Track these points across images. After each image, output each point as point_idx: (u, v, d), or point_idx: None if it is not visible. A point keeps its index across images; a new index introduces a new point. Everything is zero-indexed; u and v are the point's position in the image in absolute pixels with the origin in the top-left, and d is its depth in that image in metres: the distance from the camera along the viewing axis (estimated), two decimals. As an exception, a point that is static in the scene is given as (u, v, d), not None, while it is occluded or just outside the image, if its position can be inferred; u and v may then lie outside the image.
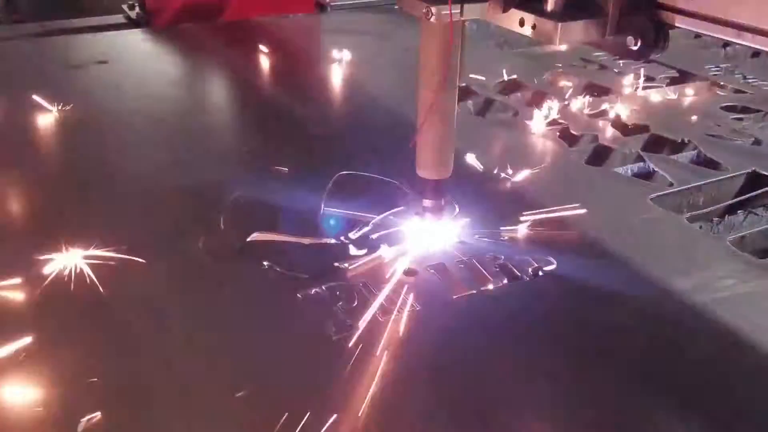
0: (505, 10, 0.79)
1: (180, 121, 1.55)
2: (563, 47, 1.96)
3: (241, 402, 0.78)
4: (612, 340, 0.90)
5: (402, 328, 0.89)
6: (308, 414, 0.74)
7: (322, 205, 1.09)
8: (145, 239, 1.06)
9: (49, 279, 0.95)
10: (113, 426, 0.74)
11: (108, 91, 1.69)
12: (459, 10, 0.82)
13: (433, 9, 0.83)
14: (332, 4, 2.36)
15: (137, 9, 2.25)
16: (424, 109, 0.92)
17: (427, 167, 0.98)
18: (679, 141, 1.46)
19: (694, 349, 0.89)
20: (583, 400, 0.80)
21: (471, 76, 1.73)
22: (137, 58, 1.93)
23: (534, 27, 0.76)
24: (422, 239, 1.04)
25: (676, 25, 0.68)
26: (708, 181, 1.28)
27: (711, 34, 0.64)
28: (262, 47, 1.93)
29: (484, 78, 1.75)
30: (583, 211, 1.13)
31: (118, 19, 2.25)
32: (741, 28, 0.63)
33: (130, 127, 1.49)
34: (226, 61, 1.94)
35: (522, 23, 0.78)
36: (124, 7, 2.28)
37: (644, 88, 1.76)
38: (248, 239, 1.05)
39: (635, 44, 0.71)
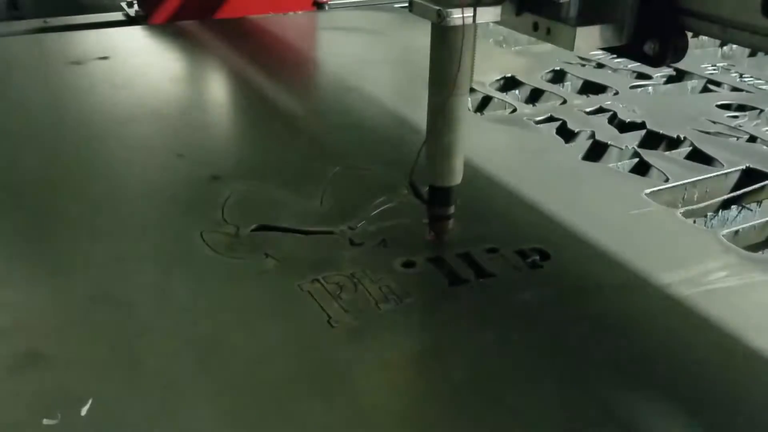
0: (518, 14, 0.76)
1: (179, 118, 1.57)
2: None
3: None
4: (605, 333, 0.92)
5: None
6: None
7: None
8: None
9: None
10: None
11: (108, 86, 1.70)
12: (472, 14, 0.79)
13: (445, 12, 0.80)
14: (330, 2, 2.37)
15: (135, 6, 2.26)
16: (434, 114, 0.89)
17: (436, 174, 0.94)
18: (675, 138, 1.49)
19: (688, 341, 0.91)
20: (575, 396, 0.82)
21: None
22: (137, 55, 1.93)
23: (549, 31, 0.73)
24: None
25: (697, 32, 0.66)
26: (703, 177, 1.31)
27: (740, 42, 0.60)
28: (261, 45, 1.94)
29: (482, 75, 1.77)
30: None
31: (117, 16, 2.26)
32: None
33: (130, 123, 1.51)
34: (224, 58, 1.95)
35: (536, 27, 0.74)
36: (123, 4, 2.28)
37: (641, 86, 1.78)
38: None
39: (653, 50, 0.68)
